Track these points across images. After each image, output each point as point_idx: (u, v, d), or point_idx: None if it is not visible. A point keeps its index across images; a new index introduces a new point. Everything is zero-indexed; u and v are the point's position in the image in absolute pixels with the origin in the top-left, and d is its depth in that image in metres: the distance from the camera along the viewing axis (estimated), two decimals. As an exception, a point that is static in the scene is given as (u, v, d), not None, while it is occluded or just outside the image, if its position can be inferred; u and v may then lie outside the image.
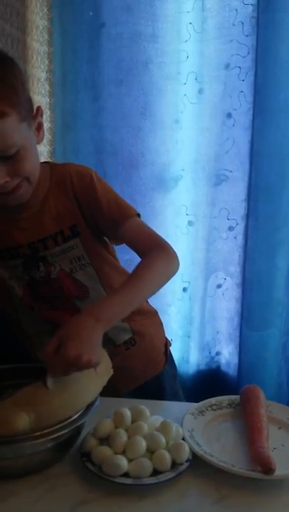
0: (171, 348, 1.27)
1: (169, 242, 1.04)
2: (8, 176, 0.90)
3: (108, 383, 0.91)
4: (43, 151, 1.87)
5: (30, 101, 0.94)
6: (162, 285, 0.99)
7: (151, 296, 1.06)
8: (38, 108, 0.97)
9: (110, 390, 0.91)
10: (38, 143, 0.98)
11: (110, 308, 0.88)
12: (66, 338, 0.80)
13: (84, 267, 1.06)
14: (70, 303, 1.08)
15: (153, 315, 1.24)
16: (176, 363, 1.30)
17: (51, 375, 0.83)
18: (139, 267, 0.97)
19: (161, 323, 1.26)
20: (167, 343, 1.26)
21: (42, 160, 1.85)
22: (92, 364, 0.81)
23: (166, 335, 1.27)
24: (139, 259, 1.01)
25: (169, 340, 1.28)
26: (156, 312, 1.25)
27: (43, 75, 1.83)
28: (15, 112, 0.86)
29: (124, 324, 1.13)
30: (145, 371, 1.18)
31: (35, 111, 0.96)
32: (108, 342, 1.09)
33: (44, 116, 1.83)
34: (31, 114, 0.94)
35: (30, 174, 0.94)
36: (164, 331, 1.27)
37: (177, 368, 1.31)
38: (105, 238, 1.10)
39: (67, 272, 1.05)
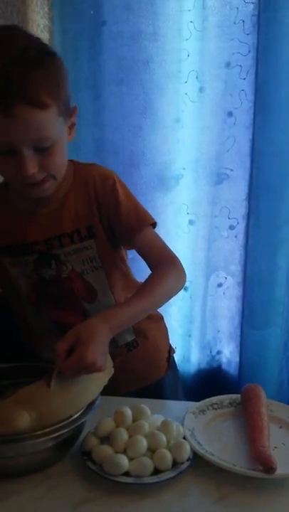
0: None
1: (169, 241, 1.06)
2: (37, 168, 0.90)
3: (109, 382, 0.91)
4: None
5: (69, 98, 0.95)
6: (169, 299, 1.03)
7: (157, 309, 1.13)
8: (75, 108, 0.98)
9: (111, 389, 0.91)
10: (69, 141, 0.98)
11: (121, 317, 0.92)
12: (84, 342, 0.82)
13: (95, 269, 1.06)
14: (78, 304, 1.07)
15: (158, 319, 1.23)
16: (177, 361, 1.29)
17: (60, 375, 0.83)
18: (151, 279, 1.00)
19: (166, 329, 1.26)
20: (171, 350, 1.24)
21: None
22: (102, 370, 0.84)
23: (169, 337, 1.26)
24: (140, 259, 1.02)
25: (174, 347, 1.27)
26: (162, 317, 1.25)
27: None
28: (55, 105, 0.88)
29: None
30: (146, 374, 1.17)
31: (71, 110, 0.97)
32: (110, 342, 1.09)
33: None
34: (68, 112, 0.95)
35: (57, 171, 0.95)
36: (168, 337, 1.26)
37: (178, 367, 1.30)
38: (119, 243, 1.10)
39: (79, 272, 1.05)
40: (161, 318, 1.24)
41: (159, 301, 1.01)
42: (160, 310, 1.24)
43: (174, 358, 1.25)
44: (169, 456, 0.80)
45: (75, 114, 0.98)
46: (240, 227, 1.83)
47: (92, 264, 1.05)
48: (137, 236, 1.04)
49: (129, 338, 1.13)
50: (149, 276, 1.01)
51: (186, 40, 1.72)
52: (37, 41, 0.91)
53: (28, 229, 1.03)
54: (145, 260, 1.05)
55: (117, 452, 0.81)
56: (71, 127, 0.98)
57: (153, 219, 1.07)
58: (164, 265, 1.02)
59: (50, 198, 1.01)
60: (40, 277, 1.05)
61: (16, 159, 0.88)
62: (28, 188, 0.94)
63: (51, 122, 0.88)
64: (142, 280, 1.03)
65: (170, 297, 1.03)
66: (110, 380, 0.92)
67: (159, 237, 1.07)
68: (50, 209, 1.03)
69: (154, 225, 1.07)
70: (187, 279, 1.05)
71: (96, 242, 1.04)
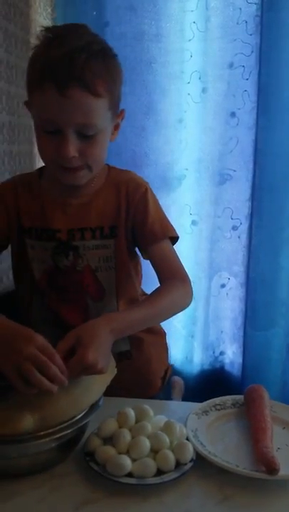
0: (173, 349, 1.26)
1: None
2: (77, 154, 0.93)
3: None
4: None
5: (119, 99, 1.00)
6: (173, 315, 1.04)
7: (159, 322, 1.13)
8: (123, 111, 1.03)
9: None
10: (110, 141, 1.02)
11: (123, 321, 0.93)
12: (85, 343, 0.82)
13: (109, 269, 1.07)
14: (83, 300, 1.08)
15: (160, 334, 1.22)
16: (179, 362, 1.29)
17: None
18: (158, 292, 1.01)
19: (167, 347, 1.25)
20: (168, 370, 1.23)
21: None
22: (103, 372, 0.84)
23: (171, 339, 1.26)
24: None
25: (171, 367, 1.25)
26: (164, 334, 1.24)
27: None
28: (108, 97, 0.93)
29: None
30: (134, 389, 1.09)
31: (119, 111, 1.02)
32: None
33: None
34: (116, 111, 1.00)
35: (94, 162, 0.98)
36: (168, 355, 1.25)
37: (181, 368, 1.30)
38: (139, 248, 1.11)
39: (92, 268, 1.06)
40: (163, 333, 1.23)
41: (162, 314, 1.02)
42: (164, 326, 1.24)
43: (171, 378, 1.23)
44: (172, 457, 0.80)
45: (122, 117, 1.03)
46: (243, 228, 1.83)
47: (106, 264, 1.06)
48: (153, 246, 1.06)
49: (124, 347, 1.12)
50: (157, 288, 1.02)
51: (189, 40, 1.72)
52: (102, 40, 0.97)
53: (54, 216, 1.05)
54: (156, 271, 1.06)
55: (120, 453, 0.81)
56: (116, 127, 1.03)
57: (176, 233, 1.09)
58: (173, 280, 1.03)
59: (80, 190, 1.04)
60: (55, 265, 1.06)
61: (59, 140, 0.92)
62: (63, 173, 0.97)
63: (100, 111, 0.93)
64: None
65: (174, 313, 1.04)
66: None
67: (176, 253, 1.08)
68: (80, 201, 1.05)
69: (176, 239, 1.09)
70: (190, 279, 1.05)
71: (116, 243, 1.06)
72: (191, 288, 1.05)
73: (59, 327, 1.06)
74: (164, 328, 1.24)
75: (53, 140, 0.93)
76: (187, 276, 1.06)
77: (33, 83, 0.92)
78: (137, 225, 1.06)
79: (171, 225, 1.10)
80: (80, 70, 0.88)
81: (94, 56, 0.90)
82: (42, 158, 1.00)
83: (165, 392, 1.21)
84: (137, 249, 1.12)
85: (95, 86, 0.90)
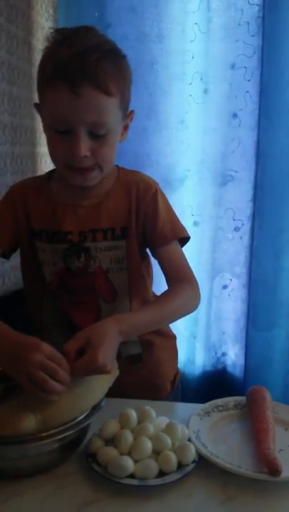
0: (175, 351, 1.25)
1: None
2: (89, 153, 0.94)
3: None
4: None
5: (129, 99, 1.01)
6: (180, 317, 1.06)
7: (167, 323, 1.14)
8: (132, 111, 1.04)
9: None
10: (120, 141, 1.03)
11: (132, 322, 0.93)
12: (95, 344, 0.82)
13: (120, 270, 1.07)
14: (95, 302, 1.08)
15: (170, 338, 1.22)
16: (181, 363, 1.29)
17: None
18: (167, 294, 1.02)
19: (176, 351, 1.24)
20: (177, 374, 1.22)
21: (48, 161, 1.85)
22: (109, 373, 0.84)
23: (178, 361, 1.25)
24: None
25: (180, 372, 1.25)
26: (175, 337, 1.24)
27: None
28: (119, 96, 0.94)
29: (135, 338, 1.11)
30: (144, 394, 1.07)
31: (128, 111, 1.02)
32: None
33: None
34: (126, 111, 1.01)
35: (105, 162, 0.98)
36: (177, 359, 1.25)
37: (183, 369, 1.30)
38: (149, 248, 1.11)
39: (104, 270, 1.06)
40: (173, 337, 1.23)
41: (171, 316, 1.03)
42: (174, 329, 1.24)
43: (179, 382, 1.23)
44: (173, 458, 0.80)
45: (130, 118, 1.04)
46: (245, 229, 1.83)
47: (118, 265, 1.06)
48: (164, 247, 1.06)
49: (135, 351, 1.12)
50: (166, 291, 1.03)
51: (191, 41, 1.72)
52: (111, 41, 0.97)
53: (65, 218, 1.05)
54: (165, 273, 1.07)
55: (121, 454, 0.81)
56: (125, 128, 1.03)
57: (187, 233, 1.09)
58: (182, 283, 1.04)
59: (92, 191, 1.05)
60: (66, 267, 1.06)
61: (70, 140, 0.93)
62: (74, 174, 0.98)
63: (111, 110, 0.94)
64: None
65: (183, 315, 1.05)
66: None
67: (184, 256, 1.09)
68: (91, 202, 1.05)
69: (187, 239, 1.10)
70: (197, 282, 1.06)
71: (127, 244, 1.06)
72: (199, 291, 1.05)
73: (70, 329, 1.06)
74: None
75: (64, 140, 0.94)
76: (195, 279, 1.06)
77: (45, 83, 0.93)
78: (147, 226, 1.06)
79: (182, 226, 1.10)
80: (93, 68, 0.89)
81: (105, 56, 0.91)
82: (52, 160, 1.01)
83: (174, 396, 1.20)
84: (147, 250, 1.12)
85: (106, 85, 0.90)
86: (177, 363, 1.25)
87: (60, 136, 0.94)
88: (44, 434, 0.78)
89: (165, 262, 1.07)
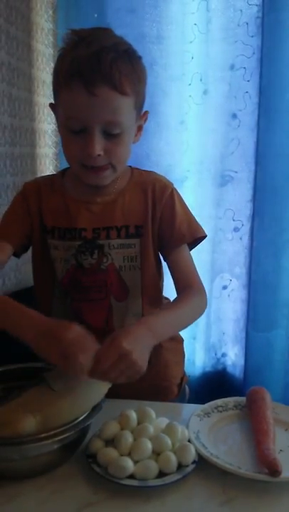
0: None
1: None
2: (103, 152, 0.95)
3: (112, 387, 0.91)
4: (48, 153, 1.88)
5: (144, 100, 1.02)
6: (190, 323, 1.05)
7: (179, 330, 1.14)
8: (146, 112, 1.05)
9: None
10: (133, 142, 1.03)
11: (163, 325, 0.94)
12: (119, 335, 0.83)
13: (133, 268, 1.07)
14: (106, 300, 1.08)
15: (178, 342, 1.22)
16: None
17: (65, 376, 0.83)
18: (182, 300, 1.03)
19: (184, 354, 1.24)
20: (184, 378, 1.22)
21: (47, 162, 1.86)
22: (140, 369, 0.82)
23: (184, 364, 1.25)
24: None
25: (187, 376, 1.24)
26: (182, 340, 1.24)
27: (48, 77, 1.83)
28: (134, 96, 0.95)
29: None
30: (151, 397, 1.07)
31: (143, 112, 1.03)
32: None
33: (49, 118, 1.84)
34: (140, 111, 1.02)
35: (118, 162, 0.99)
36: (184, 363, 1.25)
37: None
38: (162, 252, 1.12)
39: (116, 267, 1.06)
40: (181, 340, 1.23)
41: (185, 322, 1.03)
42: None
43: (185, 386, 1.22)
44: (173, 459, 0.80)
45: (145, 119, 1.04)
46: (245, 229, 1.83)
47: (131, 263, 1.07)
48: (177, 250, 1.08)
49: None
50: (180, 297, 1.04)
51: (190, 42, 1.72)
52: (127, 42, 0.99)
53: (78, 215, 1.06)
54: (174, 277, 1.08)
55: (122, 455, 0.81)
56: (139, 129, 1.04)
57: (204, 232, 1.11)
58: (192, 289, 1.05)
59: (106, 189, 1.05)
60: (78, 264, 1.06)
61: (85, 139, 0.94)
62: (88, 173, 0.99)
63: (126, 110, 0.95)
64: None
65: (193, 321, 1.05)
66: (110, 387, 0.91)
67: (193, 261, 1.10)
68: (105, 200, 1.06)
69: (204, 237, 1.11)
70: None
71: (141, 242, 1.06)
72: (206, 297, 1.06)
73: None
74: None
75: (78, 139, 0.95)
76: (202, 287, 1.07)
77: (61, 83, 0.94)
78: (164, 226, 1.07)
79: (199, 225, 1.11)
80: (108, 68, 0.90)
81: (121, 56, 0.92)
82: (67, 159, 1.02)
83: (181, 399, 1.20)
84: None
85: (122, 84, 0.91)
86: (184, 366, 1.24)
87: (75, 136, 0.95)
88: (44, 435, 0.78)
89: (176, 266, 1.08)
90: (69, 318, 1.08)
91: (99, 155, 0.95)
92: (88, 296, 1.08)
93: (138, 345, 0.82)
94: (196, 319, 1.06)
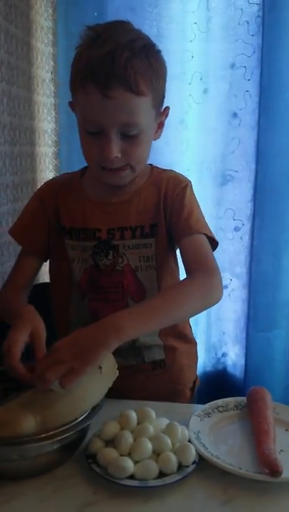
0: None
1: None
2: (120, 154, 0.94)
3: (120, 392, 0.91)
4: (48, 152, 1.88)
5: (163, 96, 0.99)
6: (196, 312, 0.98)
7: (182, 320, 1.10)
8: (167, 108, 1.02)
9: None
10: (154, 139, 1.02)
11: (135, 319, 0.84)
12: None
13: (149, 268, 1.06)
14: (124, 300, 1.07)
15: (192, 344, 1.21)
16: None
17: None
18: (176, 286, 1.00)
19: (197, 357, 1.23)
20: (196, 381, 1.21)
21: (47, 161, 1.85)
22: (81, 370, 0.78)
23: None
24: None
25: (198, 378, 1.23)
26: (196, 343, 1.22)
27: (48, 76, 1.83)
28: (151, 96, 0.92)
29: (160, 343, 1.10)
30: (164, 400, 1.04)
31: (163, 109, 1.01)
32: (137, 356, 1.08)
33: (49, 117, 1.84)
34: (160, 108, 0.99)
35: (137, 162, 0.98)
36: (197, 365, 1.24)
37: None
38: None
39: (132, 268, 1.05)
40: (194, 343, 1.21)
41: (181, 310, 0.93)
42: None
43: (197, 389, 1.21)
44: (174, 459, 0.80)
45: (165, 114, 1.02)
46: (246, 229, 1.82)
47: (147, 263, 1.06)
48: (186, 238, 1.02)
49: (158, 356, 1.10)
50: (178, 283, 1.01)
51: (190, 41, 1.72)
52: (145, 36, 0.95)
53: (94, 215, 1.05)
54: (183, 262, 1.02)
55: (121, 455, 0.81)
56: (160, 125, 1.02)
57: (211, 232, 1.04)
58: (197, 273, 0.96)
59: (122, 189, 1.04)
60: (95, 264, 1.06)
61: (102, 141, 0.92)
62: (106, 173, 0.98)
63: (143, 110, 0.92)
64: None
65: (198, 308, 0.96)
66: (123, 390, 0.90)
67: (209, 248, 1.01)
68: (120, 200, 1.05)
69: (215, 244, 1.04)
70: (220, 274, 0.98)
71: (156, 241, 1.05)
72: (219, 281, 0.96)
73: None
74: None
75: (95, 141, 0.94)
76: (216, 269, 0.97)
77: (76, 84, 0.93)
78: (173, 217, 1.05)
79: (206, 224, 1.06)
80: (123, 68, 0.87)
81: (136, 54, 0.89)
82: (85, 159, 1.01)
83: (193, 403, 1.18)
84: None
85: (137, 84, 0.89)
86: (196, 370, 1.23)
87: (92, 137, 0.94)
88: (44, 435, 0.77)
89: (186, 251, 1.02)
90: (86, 318, 1.08)
91: (116, 157, 0.93)
92: (105, 296, 1.07)
93: (74, 348, 0.79)
94: (201, 303, 0.95)
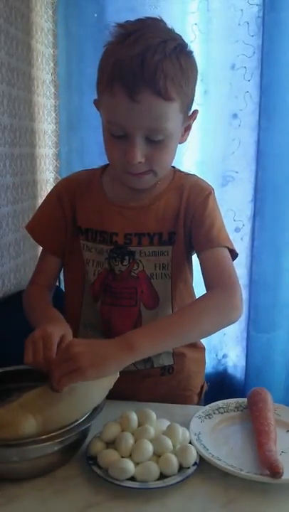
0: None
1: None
2: (144, 159, 0.92)
3: (128, 396, 0.92)
4: (48, 153, 1.88)
5: (192, 99, 0.96)
6: (213, 331, 0.96)
7: (198, 339, 1.10)
8: (195, 111, 0.99)
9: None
10: (180, 143, 0.99)
11: (146, 338, 0.86)
12: (80, 341, 0.84)
13: (164, 276, 1.04)
14: (136, 307, 1.05)
15: (200, 350, 1.20)
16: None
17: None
18: (193, 304, 0.98)
19: (205, 362, 1.22)
20: (204, 386, 1.20)
21: (47, 162, 1.85)
22: (86, 375, 0.79)
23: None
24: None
25: (207, 384, 1.22)
26: (204, 349, 1.21)
27: (48, 77, 1.83)
28: (180, 100, 0.90)
29: (169, 349, 1.08)
30: (172, 403, 1.05)
31: (191, 112, 0.98)
32: (146, 361, 1.07)
33: (49, 118, 1.84)
34: (188, 112, 0.97)
35: (160, 168, 0.96)
36: (204, 370, 1.23)
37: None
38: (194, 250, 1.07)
39: (147, 275, 1.04)
40: (203, 348, 1.20)
41: (198, 329, 0.93)
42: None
43: (205, 395, 1.21)
44: (174, 461, 0.80)
45: (194, 118, 1.00)
46: (246, 230, 1.82)
47: (162, 271, 1.04)
48: (207, 252, 1.00)
49: (167, 362, 1.09)
50: (196, 300, 0.99)
51: (191, 42, 1.71)
52: (177, 37, 0.92)
53: (112, 219, 1.03)
54: (203, 277, 1.00)
55: (122, 457, 0.80)
56: (187, 129, 1.00)
57: (232, 245, 1.02)
58: (217, 290, 0.95)
59: (142, 193, 1.02)
60: (110, 268, 1.04)
61: (126, 144, 0.90)
62: (128, 176, 0.96)
63: (171, 115, 0.90)
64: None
65: (216, 327, 0.95)
66: (132, 395, 0.90)
67: (231, 263, 1.00)
68: (139, 204, 1.03)
69: (234, 255, 1.03)
70: (241, 291, 0.97)
71: (174, 249, 1.03)
72: (239, 299, 0.94)
73: (107, 332, 1.05)
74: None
75: (119, 144, 0.91)
76: (236, 285, 0.95)
77: (103, 84, 0.90)
78: (193, 227, 1.02)
79: (228, 236, 1.03)
80: (152, 72, 0.84)
81: (167, 56, 0.86)
82: (108, 160, 0.99)
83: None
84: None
85: (166, 90, 0.86)
86: (204, 376, 1.22)
87: (116, 140, 0.91)
88: (44, 436, 0.78)
89: (206, 265, 1.00)
90: (97, 321, 1.07)
91: (140, 162, 0.91)
92: (118, 301, 1.05)
93: (95, 356, 0.80)
94: (221, 325, 0.95)
